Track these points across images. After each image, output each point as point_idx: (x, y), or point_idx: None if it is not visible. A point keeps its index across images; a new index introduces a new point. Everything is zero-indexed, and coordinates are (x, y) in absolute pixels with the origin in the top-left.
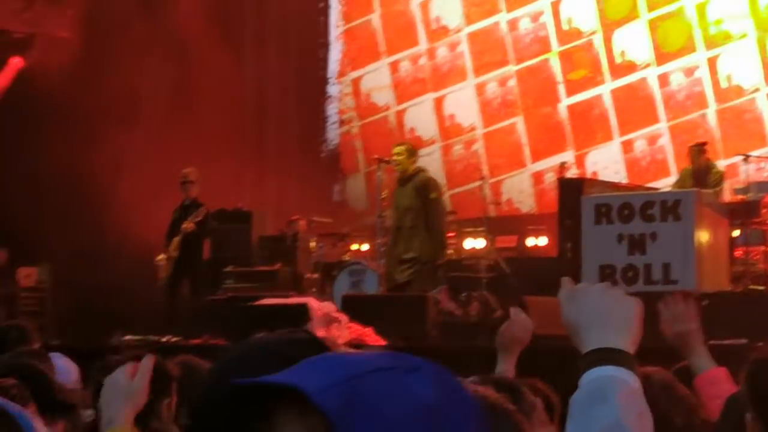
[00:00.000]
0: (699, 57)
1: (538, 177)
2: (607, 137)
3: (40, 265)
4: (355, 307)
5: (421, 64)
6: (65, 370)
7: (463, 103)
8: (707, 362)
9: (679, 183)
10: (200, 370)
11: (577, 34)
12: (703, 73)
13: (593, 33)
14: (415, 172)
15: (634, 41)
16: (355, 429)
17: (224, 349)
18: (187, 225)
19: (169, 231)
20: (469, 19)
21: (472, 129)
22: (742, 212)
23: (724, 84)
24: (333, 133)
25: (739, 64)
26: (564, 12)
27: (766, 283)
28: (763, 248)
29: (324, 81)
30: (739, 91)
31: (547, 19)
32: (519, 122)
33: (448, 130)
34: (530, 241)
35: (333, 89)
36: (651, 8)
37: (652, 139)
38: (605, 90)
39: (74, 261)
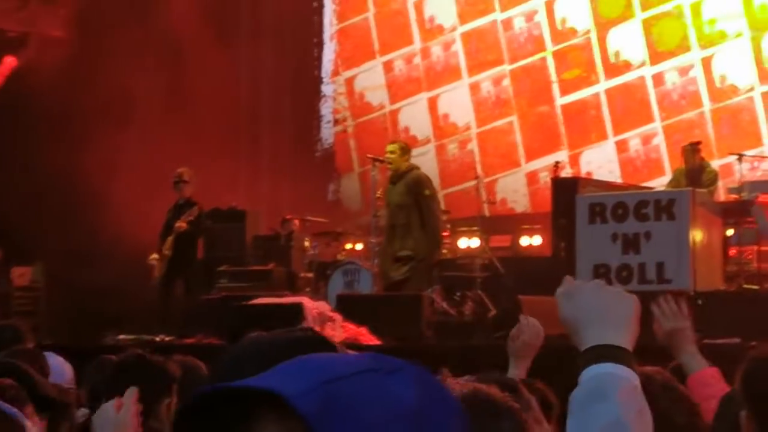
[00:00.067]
0: (693, 56)
1: (532, 176)
2: (602, 137)
3: (34, 264)
4: (350, 307)
5: (415, 63)
6: (59, 369)
7: (457, 102)
8: (699, 362)
9: (673, 182)
10: (199, 370)
11: (572, 33)
12: (698, 73)
13: (587, 32)
14: (408, 169)
15: (628, 41)
16: None
17: (220, 348)
18: (180, 224)
19: (163, 231)
20: (463, 19)
21: (467, 128)
22: (736, 212)
23: (718, 83)
24: (327, 133)
25: (733, 64)
26: (558, 11)
27: (760, 282)
28: (756, 247)
29: (318, 80)
30: (733, 90)
31: (542, 18)
32: (513, 122)
33: (443, 129)
34: (524, 241)
35: (327, 88)
36: (645, 7)
37: (647, 139)
38: (600, 89)
39: (68, 260)
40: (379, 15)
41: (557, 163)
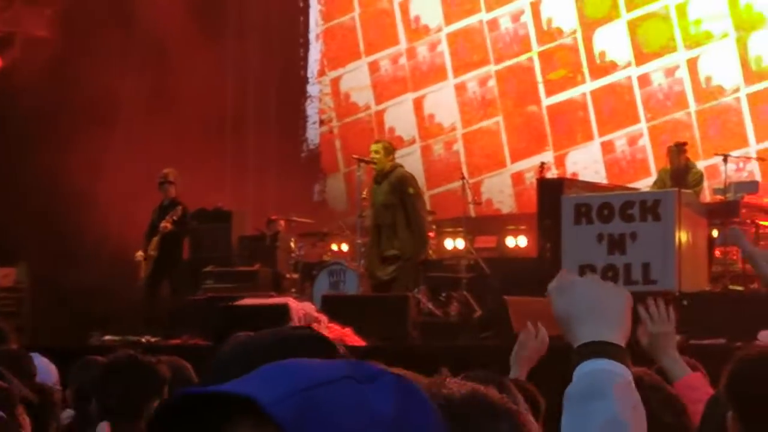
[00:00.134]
0: (679, 57)
1: (518, 177)
2: (588, 137)
3: (18, 265)
4: (335, 307)
5: (401, 63)
6: (45, 370)
7: (443, 102)
8: (682, 367)
9: (658, 183)
10: (186, 370)
11: (558, 33)
12: (684, 74)
13: (573, 33)
14: (392, 168)
15: (614, 41)
16: None
17: (205, 349)
18: (165, 224)
19: (148, 231)
20: (449, 19)
21: (452, 129)
22: (721, 212)
23: (704, 84)
24: (313, 133)
25: (719, 65)
26: (544, 12)
27: (745, 283)
28: None
29: (304, 80)
30: (719, 91)
31: (527, 18)
32: (499, 122)
33: (428, 130)
34: (510, 242)
35: (313, 89)
36: (631, 8)
37: (633, 140)
38: (586, 90)
39: (53, 261)
40: (364, 15)
41: (543, 163)
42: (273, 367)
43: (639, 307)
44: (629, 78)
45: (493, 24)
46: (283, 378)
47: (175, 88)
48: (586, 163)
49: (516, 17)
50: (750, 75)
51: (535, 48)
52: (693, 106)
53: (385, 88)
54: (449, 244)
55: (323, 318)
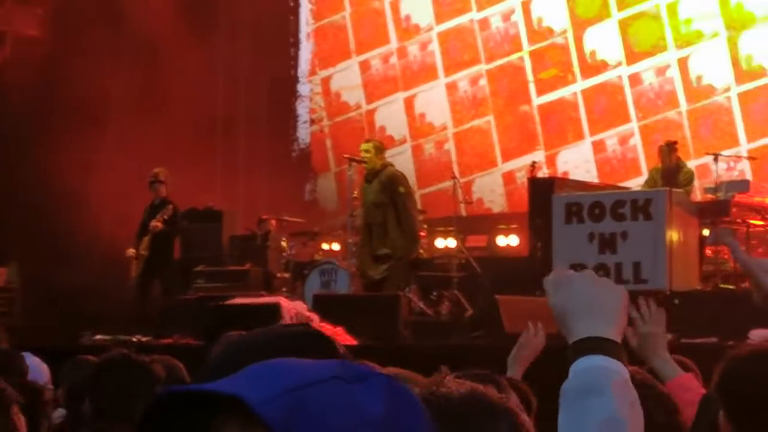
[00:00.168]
0: (670, 56)
1: (509, 176)
2: (578, 137)
3: (9, 264)
4: (326, 307)
5: (391, 62)
6: (37, 369)
7: (433, 102)
8: (673, 367)
9: (649, 182)
10: (178, 370)
11: (549, 33)
12: (675, 73)
13: (564, 32)
14: (382, 167)
15: (605, 40)
16: None
17: (196, 348)
18: (155, 223)
19: (139, 231)
20: (440, 18)
21: (443, 128)
22: (712, 211)
23: (695, 83)
24: (304, 133)
25: (710, 64)
26: (535, 11)
27: (736, 282)
28: None
29: (294, 80)
30: (710, 90)
31: (518, 18)
32: (490, 121)
33: (419, 129)
34: (501, 241)
35: (304, 88)
36: (622, 7)
37: (623, 139)
38: (576, 89)
39: (44, 261)
40: (355, 14)
41: (534, 163)
42: (261, 367)
43: (630, 307)
44: (620, 77)
45: (484, 23)
46: (272, 378)
47: (166, 87)
48: (577, 163)
49: (507, 16)
50: (741, 74)
51: (526, 47)
52: (684, 106)
53: (375, 88)
54: (440, 243)
55: (315, 317)
